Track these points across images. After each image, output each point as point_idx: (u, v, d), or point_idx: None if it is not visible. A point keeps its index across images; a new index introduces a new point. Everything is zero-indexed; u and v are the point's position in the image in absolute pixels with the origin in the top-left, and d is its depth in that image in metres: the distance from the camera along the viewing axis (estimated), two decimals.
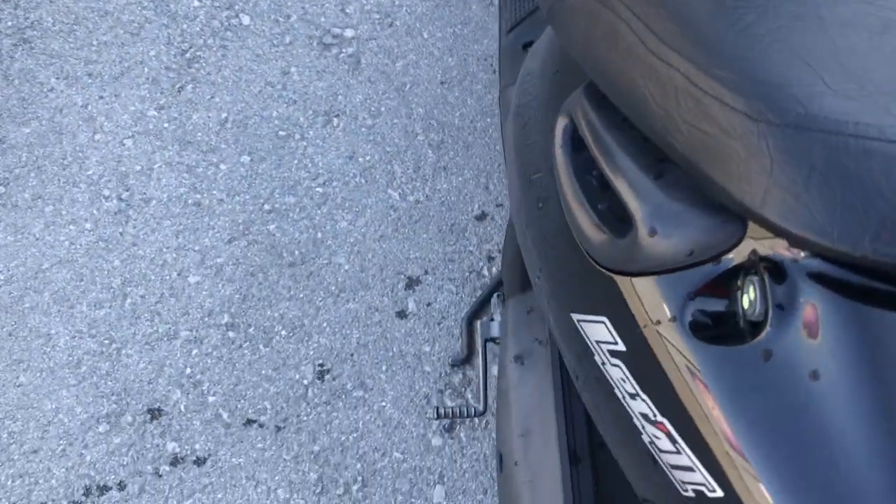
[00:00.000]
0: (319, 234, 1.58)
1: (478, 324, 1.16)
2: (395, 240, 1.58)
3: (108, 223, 1.58)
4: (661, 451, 0.56)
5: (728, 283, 0.55)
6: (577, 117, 0.69)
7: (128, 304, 1.51)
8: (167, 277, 1.53)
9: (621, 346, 0.60)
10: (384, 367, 1.47)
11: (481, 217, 1.61)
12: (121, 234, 1.57)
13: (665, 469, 0.56)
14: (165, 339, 1.48)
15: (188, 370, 1.46)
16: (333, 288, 1.54)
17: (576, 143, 0.70)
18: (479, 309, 1.51)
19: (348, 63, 1.76)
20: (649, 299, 0.57)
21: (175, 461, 1.39)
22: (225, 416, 1.42)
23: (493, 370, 1.39)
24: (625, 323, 0.59)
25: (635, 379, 0.58)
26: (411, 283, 1.54)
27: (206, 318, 1.50)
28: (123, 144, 1.65)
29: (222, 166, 1.64)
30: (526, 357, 0.93)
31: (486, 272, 1.56)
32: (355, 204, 1.61)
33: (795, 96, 0.50)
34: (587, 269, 0.64)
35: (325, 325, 1.50)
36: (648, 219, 0.57)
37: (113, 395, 1.43)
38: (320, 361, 1.47)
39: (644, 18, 0.61)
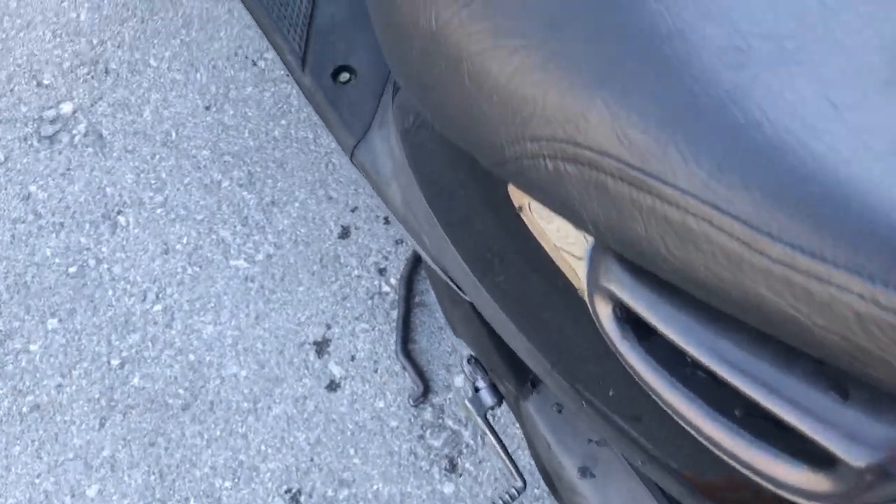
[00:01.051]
0: (191, 357, 1.32)
1: (467, 402, 1.00)
2: (274, 312, 1.34)
3: None
4: None
5: None
6: (633, 304, 0.51)
7: None
8: None
9: None
10: (352, 451, 1.29)
11: (344, 234, 1.39)
12: None
13: None
14: None
15: None
16: (246, 403, 1.30)
17: (636, 325, 0.53)
18: (406, 332, 1.33)
19: (90, 144, 1.40)
20: None
21: None
22: None
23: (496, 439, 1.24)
24: None
25: None
26: (321, 347, 1.33)
27: None
28: None
29: (32, 347, 1.31)
30: (592, 467, 0.79)
31: (386, 288, 1.36)
32: (206, 300, 1.34)
33: None
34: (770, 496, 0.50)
35: (263, 447, 1.28)
36: (878, 464, 0.43)
37: None
38: (285, 488, 1.27)
39: (690, 189, 0.43)
